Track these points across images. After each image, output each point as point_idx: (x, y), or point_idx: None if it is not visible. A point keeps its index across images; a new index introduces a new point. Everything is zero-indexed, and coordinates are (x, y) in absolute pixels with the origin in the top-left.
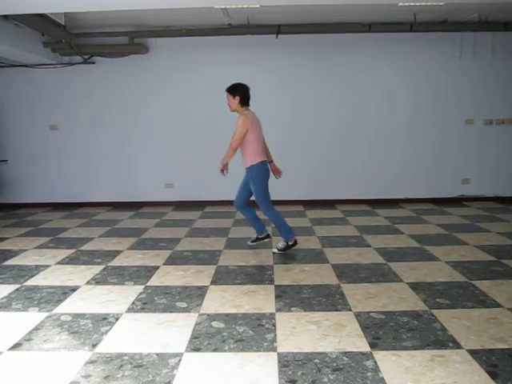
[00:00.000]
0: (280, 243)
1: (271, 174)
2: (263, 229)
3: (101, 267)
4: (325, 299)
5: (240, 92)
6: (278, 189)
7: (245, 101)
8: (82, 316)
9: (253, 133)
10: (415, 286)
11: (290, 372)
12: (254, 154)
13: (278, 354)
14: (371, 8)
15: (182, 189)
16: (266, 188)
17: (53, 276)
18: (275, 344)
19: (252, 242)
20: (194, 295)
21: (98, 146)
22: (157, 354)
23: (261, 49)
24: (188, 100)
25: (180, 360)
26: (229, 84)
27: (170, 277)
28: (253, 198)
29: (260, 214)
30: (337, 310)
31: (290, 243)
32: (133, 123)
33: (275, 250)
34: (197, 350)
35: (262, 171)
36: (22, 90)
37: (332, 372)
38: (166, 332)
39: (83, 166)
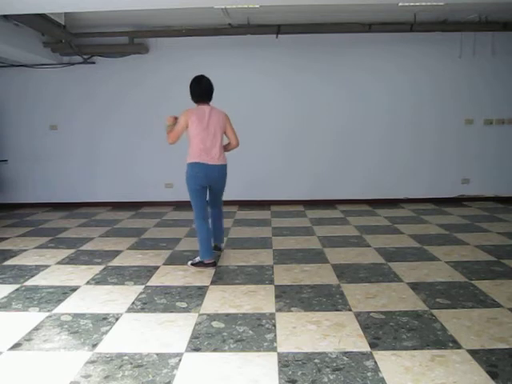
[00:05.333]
0: (197, 257)
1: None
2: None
3: (101, 267)
4: (325, 299)
5: (190, 86)
6: (278, 189)
7: (192, 96)
8: (82, 316)
9: (194, 131)
10: (415, 286)
11: (290, 372)
12: (189, 154)
13: (278, 353)
14: (371, 8)
15: (182, 189)
16: (194, 194)
17: (53, 276)
18: (275, 344)
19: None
20: (193, 295)
21: (98, 145)
22: (157, 354)
23: (261, 49)
24: (188, 100)
25: (180, 360)
26: (228, 83)
27: (170, 277)
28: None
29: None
30: (337, 310)
31: (206, 262)
32: (133, 123)
33: (189, 263)
34: (197, 349)
35: (190, 174)
36: (22, 90)
37: (332, 372)
38: (166, 332)
39: (83, 165)
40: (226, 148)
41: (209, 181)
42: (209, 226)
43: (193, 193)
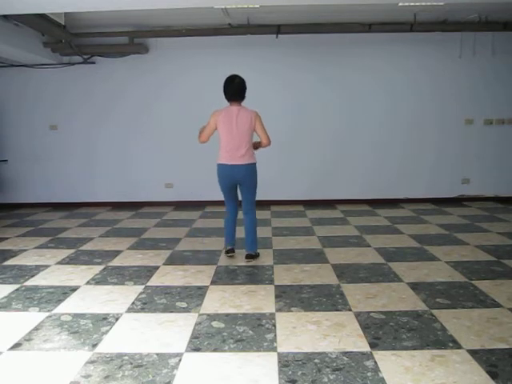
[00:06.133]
0: None
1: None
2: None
3: (101, 267)
4: (325, 299)
5: (223, 86)
6: (278, 189)
7: (225, 95)
8: (82, 316)
9: (221, 131)
10: (415, 286)
11: (290, 372)
12: (218, 154)
13: (278, 353)
14: (371, 8)
15: (181, 189)
16: (223, 191)
17: (53, 276)
18: (275, 344)
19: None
20: (194, 295)
21: (97, 146)
22: (157, 354)
23: (261, 49)
24: (188, 100)
25: (180, 360)
26: None
27: (170, 277)
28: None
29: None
30: (337, 310)
31: (225, 250)
32: (133, 123)
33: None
34: (197, 349)
35: (218, 174)
36: (22, 89)
37: (332, 372)
38: (166, 332)
39: (83, 165)
40: (258, 146)
41: (235, 180)
42: (234, 218)
43: (222, 190)
